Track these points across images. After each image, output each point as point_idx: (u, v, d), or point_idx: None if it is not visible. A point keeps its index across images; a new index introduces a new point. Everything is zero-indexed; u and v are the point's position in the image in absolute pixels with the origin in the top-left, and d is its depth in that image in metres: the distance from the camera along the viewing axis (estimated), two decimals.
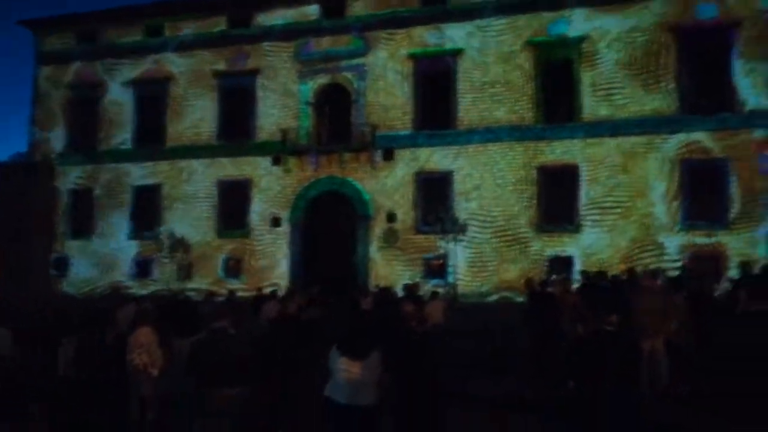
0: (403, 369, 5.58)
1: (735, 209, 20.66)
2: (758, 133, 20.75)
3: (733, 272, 17.69)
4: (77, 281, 27.75)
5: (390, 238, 24.03)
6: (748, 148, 20.73)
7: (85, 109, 28.80)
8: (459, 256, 22.93)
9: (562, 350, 8.81)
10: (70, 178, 28.72)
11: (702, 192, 21.00)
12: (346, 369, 5.41)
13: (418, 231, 23.88)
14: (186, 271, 25.91)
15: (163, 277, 26.01)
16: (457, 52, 24.05)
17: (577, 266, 20.81)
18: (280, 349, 7.94)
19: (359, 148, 24.60)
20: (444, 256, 23.19)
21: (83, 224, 28.05)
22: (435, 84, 24.29)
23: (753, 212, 20.46)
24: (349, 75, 25.32)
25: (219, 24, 27.32)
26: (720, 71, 21.30)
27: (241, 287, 23.01)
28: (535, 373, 9.66)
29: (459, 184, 23.61)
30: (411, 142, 24.32)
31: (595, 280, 13.54)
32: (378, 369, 5.43)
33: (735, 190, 20.71)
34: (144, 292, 23.46)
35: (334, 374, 5.47)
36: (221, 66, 27.03)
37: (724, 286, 15.19)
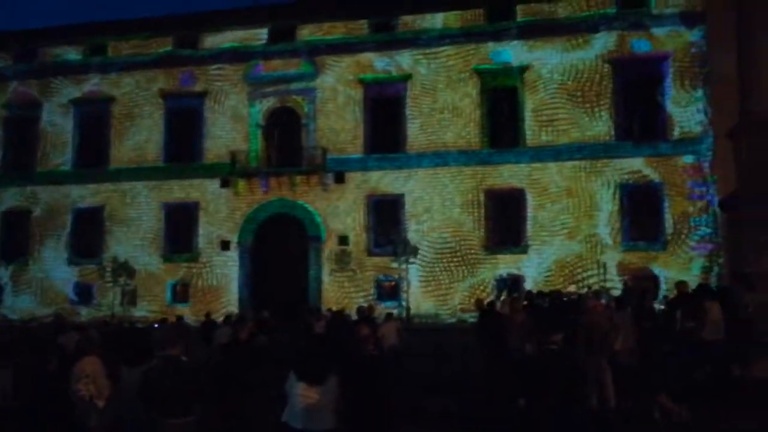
0: (361, 393, 5.61)
1: (670, 231, 21.77)
2: (687, 159, 22.02)
3: (668, 291, 18.56)
4: (12, 307, 26.35)
5: (342, 261, 24.03)
6: (679, 173, 21.97)
7: (22, 129, 27.75)
8: (411, 277, 23.13)
9: (511, 368, 9.03)
10: (5, 199, 27.46)
11: (640, 214, 22.12)
12: (303, 394, 5.39)
13: (371, 253, 24.01)
14: (131, 297, 25.04)
15: (106, 303, 25.03)
16: (405, 78, 24.56)
17: (526, 286, 21.37)
18: (232, 375, 7.82)
19: (310, 170, 24.63)
20: (396, 278, 23.34)
21: (19, 248, 26.80)
22: (385, 109, 24.71)
23: (686, 234, 21.60)
24: (299, 98, 25.42)
25: (165, 44, 26.94)
26: (653, 100, 22.60)
27: (189, 312, 22.48)
28: (488, 392, 9.83)
29: (410, 207, 23.95)
30: (362, 165, 24.54)
31: (538, 300, 13.93)
32: (335, 394, 5.43)
33: (669, 213, 21.87)
34: (85, 318, 22.51)
35: (291, 399, 5.43)
36: (168, 87, 26.61)
37: (660, 305, 15.92)
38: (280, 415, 5.47)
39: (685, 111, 22.24)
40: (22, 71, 28.08)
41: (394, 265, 23.25)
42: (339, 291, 23.83)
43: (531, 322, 9.18)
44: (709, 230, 21.44)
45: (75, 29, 27.97)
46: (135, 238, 25.96)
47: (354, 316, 14.44)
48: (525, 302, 11.97)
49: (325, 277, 24.25)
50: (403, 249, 22.94)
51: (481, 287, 22.39)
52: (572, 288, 18.13)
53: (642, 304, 9.76)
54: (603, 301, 12.10)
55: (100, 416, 6.67)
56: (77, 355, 7.38)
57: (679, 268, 21.13)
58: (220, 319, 15.19)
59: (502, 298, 16.37)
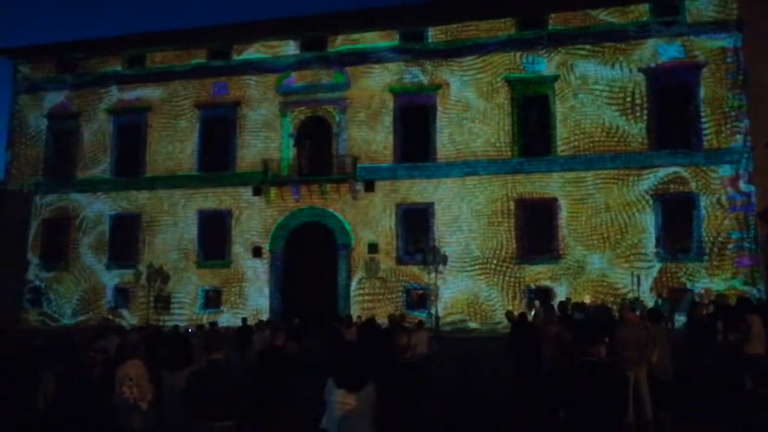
0: (398, 400, 5.65)
1: (706, 243, 21.27)
2: (724, 169, 21.52)
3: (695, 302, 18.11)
4: (51, 312, 27.10)
5: (371, 269, 24.10)
6: (716, 183, 21.48)
7: (63, 137, 28.59)
8: (440, 286, 23.07)
9: (547, 379, 8.96)
10: (46, 206, 28.28)
11: (675, 226, 21.66)
12: (341, 401, 5.45)
13: (400, 261, 24.02)
14: (164, 302, 25.52)
15: (141, 307, 25.58)
16: (436, 88, 24.61)
17: (558, 296, 21.12)
18: (267, 380, 7.95)
19: (340, 179, 24.81)
20: (425, 287, 23.31)
21: (58, 253, 27.52)
22: (415, 118, 24.78)
23: (723, 246, 21.09)
24: (330, 107, 25.67)
25: (199, 55, 27.51)
26: (688, 110, 22.18)
27: (221, 318, 22.82)
28: (519, 400, 9.80)
29: (440, 216, 23.90)
30: (391, 174, 24.63)
31: (573, 311, 13.76)
32: (372, 401, 5.47)
33: (706, 224, 21.36)
34: (123, 323, 23.06)
35: (329, 406, 5.50)
36: (202, 97, 27.13)
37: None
38: (312, 419, 5.55)
39: (722, 120, 21.78)
40: (63, 82, 28.96)
41: (424, 273, 23.24)
42: (368, 299, 23.90)
43: (567, 334, 9.11)
44: (747, 242, 20.91)
45: (113, 41, 28.72)
46: (170, 244, 26.46)
47: (383, 325, 14.48)
48: (559, 313, 11.87)
49: (354, 285, 24.35)
50: (432, 257, 22.94)
51: (512, 297, 22.20)
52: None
53: (691, 316, 9.59)
54: (637, 312, 11.93)
55: (143, 419, 6.84)
56: (120, 358, 7.58)
57: (716, 281, 20.66)
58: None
59: (533, 311, 16.21)
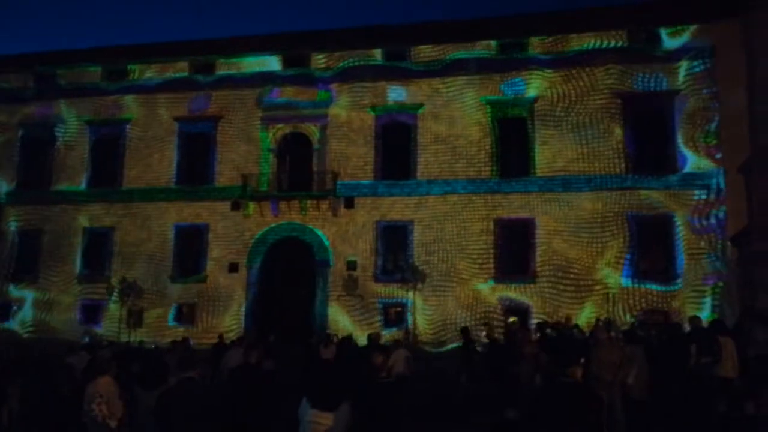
0: (374, 419, 5.61)
1: (679, 265, 21.62)
2: (697, 193, 21.96)
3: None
4: (21, 326, 26.40)
5: (349, 286, 23.99)
6: (689, 207, 21.91)
7: (38, 148, 28.07)
8: (418, 304, 23.05)
9: (524, 399, 8.97)
10: (18, 218, 27.69)
11: (649, 248, 22.00)
12: (315, 420, 5.38)
13: (378, 279, 23.96)
14: (137, 317, 25.04)
15: (113, 323, 25.06)
16: (417, 107, 24.82)
17: (534, 316, 21.24)
18: (244, 398, 7.82)
19: (320, 195, 24.75)
20: (403, 304, 23.26)
21: (30, 266, 26.89)
22: (396, 136, 24.89)
23: (695, 269, 21.44)
24: (310, 124, 25.68)
25: (181, 69, 27.38)
26: (663, 134, 22.68)
27: (195, 334, 22.47)
28: (495, 419, 9.77)
29: (419, 234, 23.95)
30: (372, 191, 24.66)
31: (551, 331, 13.85)
32: (347, 420, 5.42)
33: (679, 247, 21.73)
34: (95, 338, 22.50)
35: (303, 425, 5.43)
36: (182, 110, 26.95)
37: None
38: None
39: (696, 145, 22.28)
40: (40, 92, 28.55)
41: (402, 291, 23.20)
42: (345, 316, 23.76)
43: (546, 354, 9.15)
44: (719, 266, 21.27)
45: (93, 52, 28.44)
46: (144, 258, 26.03)
47: (360, 342, 14.40)
48: (541, 333, 11.94)
49: (332, 302, 24.19)
50: (411, 275, 22.94)
51: (490, 316, 22.24)
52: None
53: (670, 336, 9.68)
54: (612, 333, 12.02)
55: None
56: (90, 375, 7.41)
57: (689, 303, 20.97)
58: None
59: (513, 325, 16.21)
